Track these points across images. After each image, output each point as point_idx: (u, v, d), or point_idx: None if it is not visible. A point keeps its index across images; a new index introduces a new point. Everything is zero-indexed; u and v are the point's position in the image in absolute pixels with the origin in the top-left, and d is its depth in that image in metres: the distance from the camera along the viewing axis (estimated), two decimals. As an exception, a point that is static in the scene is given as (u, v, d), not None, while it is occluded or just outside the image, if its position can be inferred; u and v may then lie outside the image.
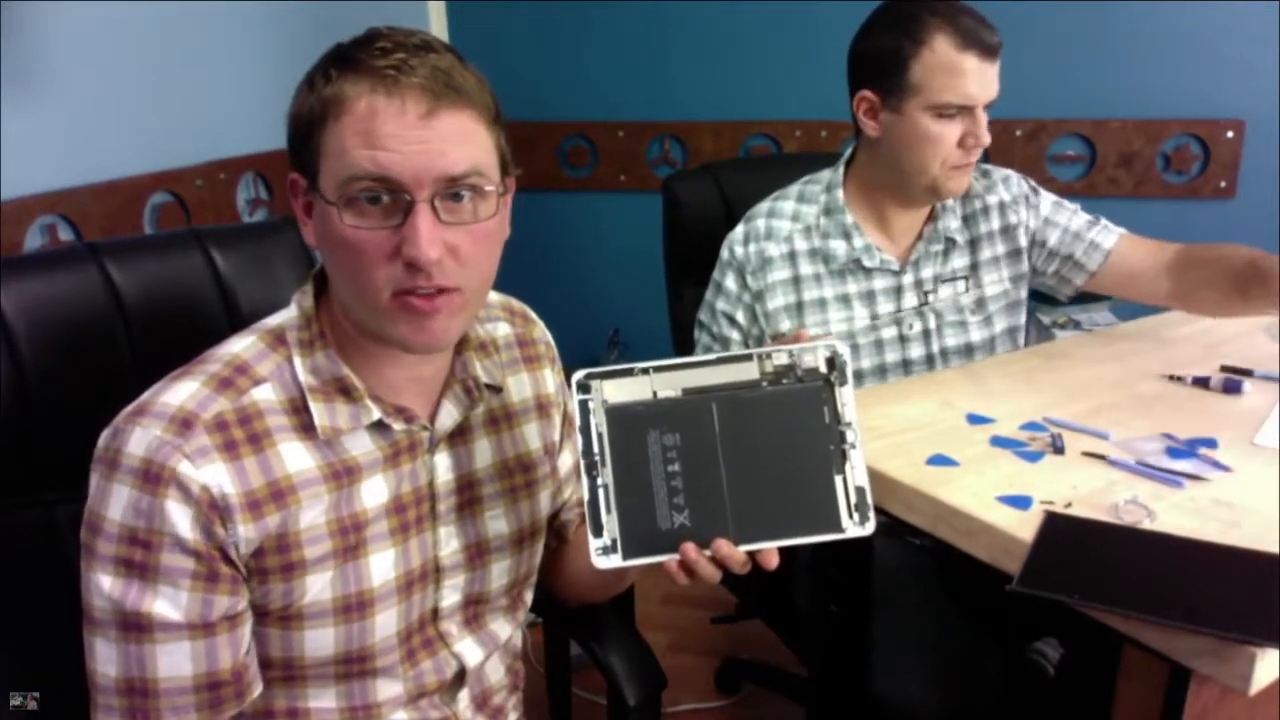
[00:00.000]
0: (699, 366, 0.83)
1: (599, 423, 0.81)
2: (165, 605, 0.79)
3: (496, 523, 0.97)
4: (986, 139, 1.35)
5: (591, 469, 0.81)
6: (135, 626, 0.79)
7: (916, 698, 1.38)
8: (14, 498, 0.99)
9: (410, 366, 0.88)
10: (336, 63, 0.79)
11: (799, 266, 1.45)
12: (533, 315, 1.06)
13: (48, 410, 0.99)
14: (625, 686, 1.05)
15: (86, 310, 1.02)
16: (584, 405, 0.82)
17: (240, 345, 0.86)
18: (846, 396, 0.82)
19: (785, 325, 1.45)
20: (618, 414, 0.82)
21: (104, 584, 0.78)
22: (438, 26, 2.72)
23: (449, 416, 0.92)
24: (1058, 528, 0.96)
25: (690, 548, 0.80)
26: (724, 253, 1.49)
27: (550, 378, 1.04)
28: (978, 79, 1.32)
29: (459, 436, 0.94)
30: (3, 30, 1.50)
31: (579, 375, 0.82)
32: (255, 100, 2.02)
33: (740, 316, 1.46)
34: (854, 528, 0.80)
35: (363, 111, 0.77)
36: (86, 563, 0.80)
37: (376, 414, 0.86)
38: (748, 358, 0.83)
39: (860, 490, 0.81)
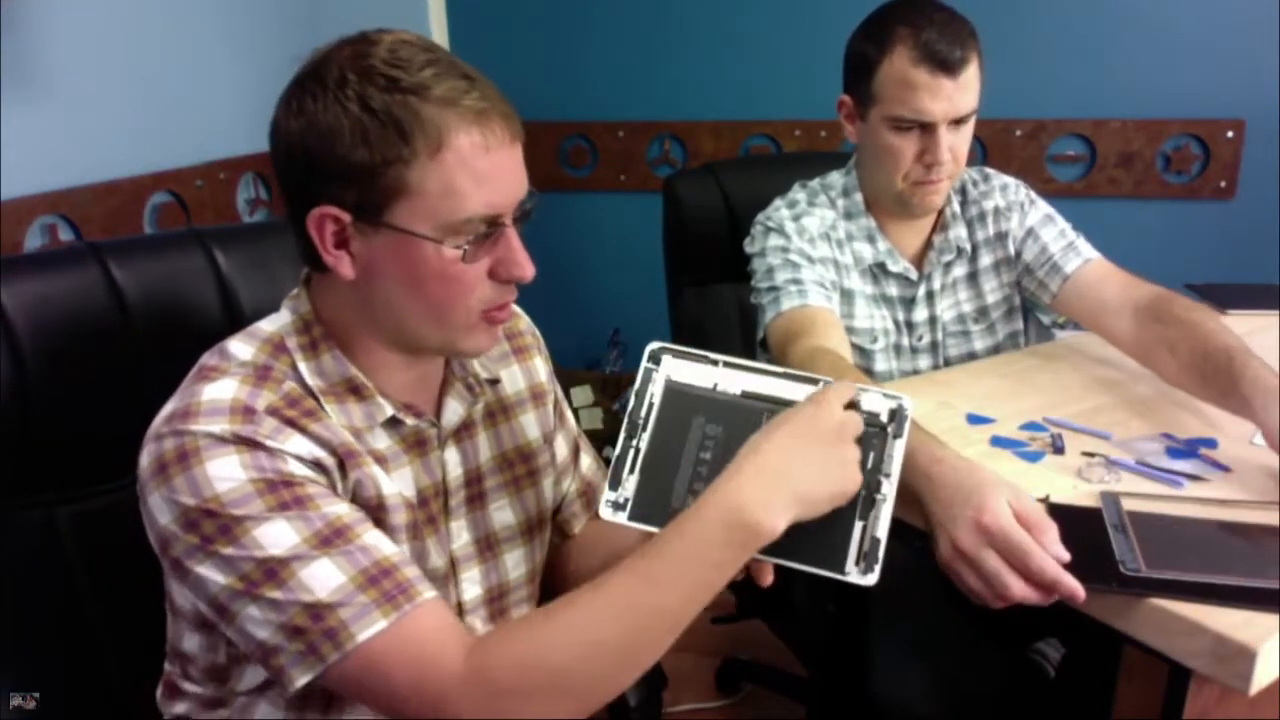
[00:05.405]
0: (767, 375, 0.85)
1: (655, 392, 0.85)
2: (340, 508, 0.78)
3: (502, 514, 0.98)
4: (944, 158, 1.30)
5: (632, 430, 0.84)
6: (336, 533, 0.76)
7: (916, 698, 1.38)
8: (14, 497, 0.99)
9: (418, 366, 0.89)
10: (407, 91, 0.75)
11: (837, 252, 1.42)
12: (516, 308, 1.06)
13: (48, 410, 0.98)
14: (625, 686, 1.05)
15: (88, 310, 1.02)
16: (648, 373, 0.85)
17: (247, 352, 0.84)
18: (896, 450, 0.82)
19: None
20: (674, 390, 0.85)
21: (269, 534, 0.73)
22: (437, 25, 2.72)
23: (454, 413, 0.93)
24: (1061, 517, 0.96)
25: None
26: (766, 224, 1.42)
27: (541, 366, 1.05)
28: (931, 94, 1.27)
29: (464, 431, 0.95)
30: (3, 30, 1.50)
31: (653, 346, 0.86)
32: (256, 100, 1.99)
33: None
34: (856, 574, 0.80)
35: (467, 150, 0.77)
36: (215, 545, 0.74)
37: (390, 410, 0.86)
38: (815, 381, 0.84)
39: (875, 541, 0.80)
